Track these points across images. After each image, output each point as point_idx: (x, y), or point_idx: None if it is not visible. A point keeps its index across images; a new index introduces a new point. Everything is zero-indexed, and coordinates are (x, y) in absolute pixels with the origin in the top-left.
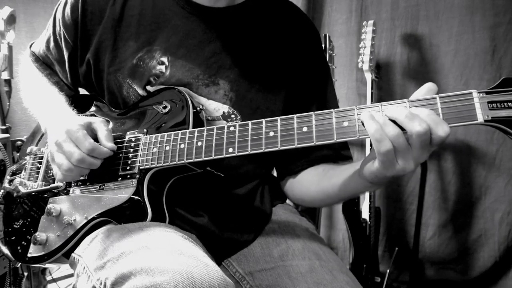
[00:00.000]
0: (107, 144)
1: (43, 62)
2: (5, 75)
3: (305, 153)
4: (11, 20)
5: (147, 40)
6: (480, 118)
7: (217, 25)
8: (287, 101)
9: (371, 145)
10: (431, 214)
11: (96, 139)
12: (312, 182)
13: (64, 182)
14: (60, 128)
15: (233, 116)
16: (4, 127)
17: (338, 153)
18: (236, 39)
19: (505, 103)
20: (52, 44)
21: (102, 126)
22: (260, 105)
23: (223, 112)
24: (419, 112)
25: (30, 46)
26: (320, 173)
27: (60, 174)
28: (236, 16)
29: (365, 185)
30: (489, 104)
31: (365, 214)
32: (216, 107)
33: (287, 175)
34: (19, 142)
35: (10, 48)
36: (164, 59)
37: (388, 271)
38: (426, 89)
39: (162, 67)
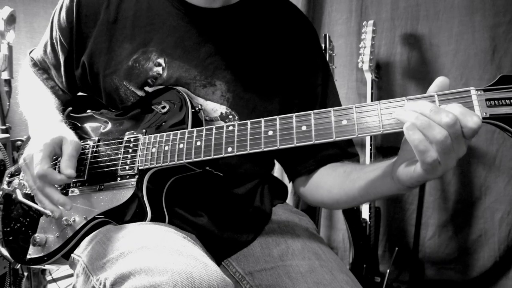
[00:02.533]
0: (66, 171)
1: (41, 67)
2: (5, 75)
3: (312, 153)
4: (11, 20)
5: (142, 41)
6: (479, 116)
7: (212, 26)
8: (285, 101)
9: (371, 144)
10: (431, 214)
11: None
12: (334, 185)
13: (52, 212)
14: (31, 146)
15: (230, 116)
16: (4, 127)
17: (345, 151)
18: (232, 39)
19: (503, 100)
20: (49, 48)
21: (68, 150)
22: (257, 105)
23: (221, 113)
24: (445, 106)
25: (30, 53)
26: (342, 175)
27: (31, 191)
28: (231, 16)
29: (399, 187)
30: (487, 102)
31: (365, 214)
32: (213, 108)
33: (297, 176)
34: (19, 142)
35: (10, 48)
36: (161, 61)
37: (388, 271)
38: (439, 87)
39: (159, 69)
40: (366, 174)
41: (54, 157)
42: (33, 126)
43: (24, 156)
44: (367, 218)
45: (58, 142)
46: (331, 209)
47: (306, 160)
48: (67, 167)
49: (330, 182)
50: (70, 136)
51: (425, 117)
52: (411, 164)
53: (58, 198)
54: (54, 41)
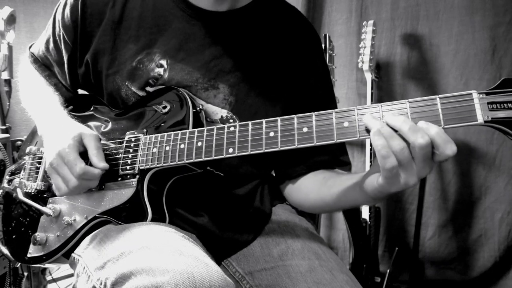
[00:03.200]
0: (99, 165)
1: (42, 64)
2: (5, 75)
3: (303, 158)
4: (11, 20)
5: (147, 43)
6: (480, 119)
7: (217, 29)
8: (287, 106)
9: (371, 145)
10: (431, 214)
11: (86, 153)
12: (312, 190)
13: (52, 210)
14: (53, 148)
15: (231, 120)
16: (4, 127)
17: (337, 159)
18: (237, 43)
19: (505, 104)
20: (51, 45)
21: (92, 144)
22: (259, 109)
23: (221, 116)
24: (427, 127)
25: (30, 47)
26: (320, 181)
27: (62, 193)
28: (237, 20)
29: (366, 199)
30: (489, 105)
31: (365, 214)
32: (214, 111)
33: (286, 179)
34: (19, 142)
35: (10, 48)
36: (163, 62)
37: (388, 271)
38: None
39: (161, 70)
40: (341, 182)
41: None
42: (43, 126)
43: (50, 160)
44: (367, 218)
45: (79, 140)
46: (308, 212)
47: (297, 164)
48: (100, 161)
49: (309, 186)
50: (87, 130)
51: (389, 128)
52: (376, 174)
53: (96, 183)
54: (57, 38)
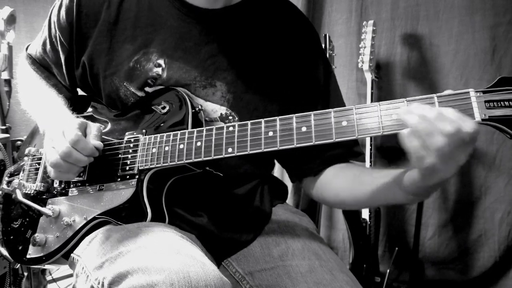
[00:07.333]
0: (93, 142)
1: (40, 65)
2: (5, 75)
3: (317, 153)
4: (11, 20)
5: (144, 42)
6: (478, 117)
7: (213, 26)
8: (286, 102)
9: (371, 144)
10: (431, 214)
11: None
12: (343, 188)
13: (52, 211)
14: (57, 127)
15: (230, 117)
16: (4, 127)
17: (350, 150)
18: (233, 40)
19: (502, 102)
20: (48, 46)
21: (94, 128)
22: (258, 106)
23: (221, 114)
24: (443, 111)
25: (27, 49)
26: (351, 178)
27: (51, 170)
28: (233, 17)
29: (406, 197)
30: (486, 103)
31: (365, 214)
32: (213, 109)
33: (303, 176)
34: (19, 142)
35: (10, 48)
36: (161, 62)
37: (388, 271)
38: None
39: (159, 70)
40: (375, 179)
41: None
42: (46, 123)
43: (50, 136)
44: (367, 218)
45: (83, 126)
46: (338, 208)
47: (312, 160)
48: (94, 139)
49: (338, 184)
50: (91, 122)
51: (427, 122)
52: (415, 171)
53: (86, 160)
54: (54, 39)
